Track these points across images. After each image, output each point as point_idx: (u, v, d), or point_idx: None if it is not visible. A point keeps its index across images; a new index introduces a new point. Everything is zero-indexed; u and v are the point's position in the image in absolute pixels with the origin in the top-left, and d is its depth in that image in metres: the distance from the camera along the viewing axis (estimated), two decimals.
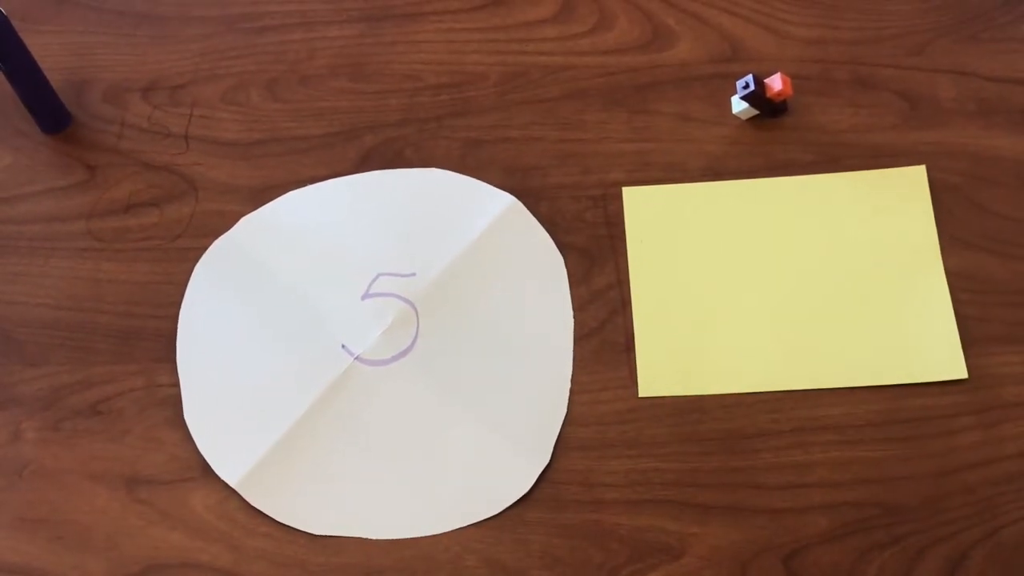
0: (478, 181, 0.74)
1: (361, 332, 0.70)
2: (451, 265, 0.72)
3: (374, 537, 0.65)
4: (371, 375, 0.69)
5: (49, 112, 0.77)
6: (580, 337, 0.69)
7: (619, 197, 0.73)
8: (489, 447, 0.66)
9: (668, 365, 0.68)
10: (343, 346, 0.70)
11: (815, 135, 0.74)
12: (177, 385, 0.69)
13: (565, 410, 0.67)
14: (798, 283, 0.69)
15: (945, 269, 0.70)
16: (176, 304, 0.72)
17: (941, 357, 0.67)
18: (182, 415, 0.68)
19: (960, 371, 0.66)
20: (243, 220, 0.74)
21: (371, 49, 0.80)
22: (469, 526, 0.65)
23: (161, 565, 0.65)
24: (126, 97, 0.79)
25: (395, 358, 0.69)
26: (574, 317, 0.70)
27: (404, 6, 0.81)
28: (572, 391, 0.68)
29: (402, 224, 0.73)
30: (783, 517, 0.64)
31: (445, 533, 0.65)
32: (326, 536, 0.65)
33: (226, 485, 0.66)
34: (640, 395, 0.67)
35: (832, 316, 0.68)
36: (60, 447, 0.68)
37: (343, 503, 0.66)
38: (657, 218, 0.72)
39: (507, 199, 0.73)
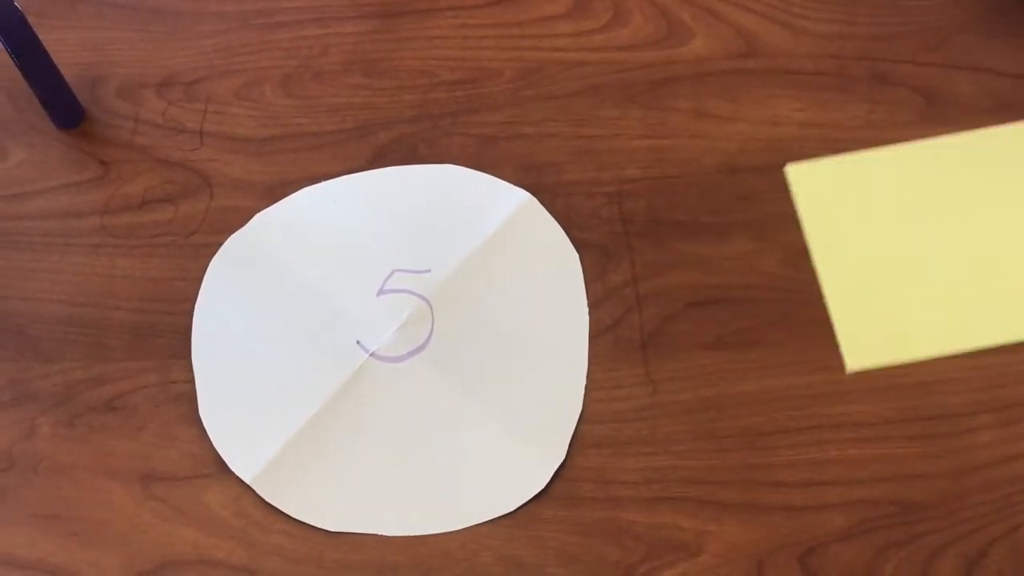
0: (493, 177, 0.74)
1: (376, 328, 0.70)
2: (466, 261, 0.72)
3: (389, 534, 0.65)
4: (386, 371, 0.69)
5: (63, 108, 0.77)
6: (595, 334, 0.69)
7: (633, 194, 0.73)
8: (504, 444, 0.66)
9: (871, 336, 0.67)
10: (358, 342, 0.70)
11: (832, 131, 0.74)
12: (192, 381, 0.69)
13: (580, 407, 0.67)
14: (985, 237, 0.69)
15: None
16: (191, 300, 0.72)
17: None
18: (197, 412, 0.68)
19: None
20: (257, 216, 0.74)
21: (385, 45, 0.80)
22: (484, 523, 0.65)
23: (176, 562, 0.65)
24: (140, 93, 0.79)
25: (410, 354, 0.69)
26: (589, 314, 0.70)
27: (419, 2, 0.81)
28: (587, 388, 0.67)
29: (417, 220, 0.73)
30: (800, 515, 0.64)
31: (460, 530, 0.65)
32: (341, 533, 0.65)
33: (241, 482, 0.66)
34: (848, 371, 0.67)
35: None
36: (75, 443, 0.68)
37: (358, 499, 0.66)
38: (826, 192, 0.72)
39: (522, 195, 0.73)
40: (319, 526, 0.65)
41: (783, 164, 0.73)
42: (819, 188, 0.72)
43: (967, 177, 0.71)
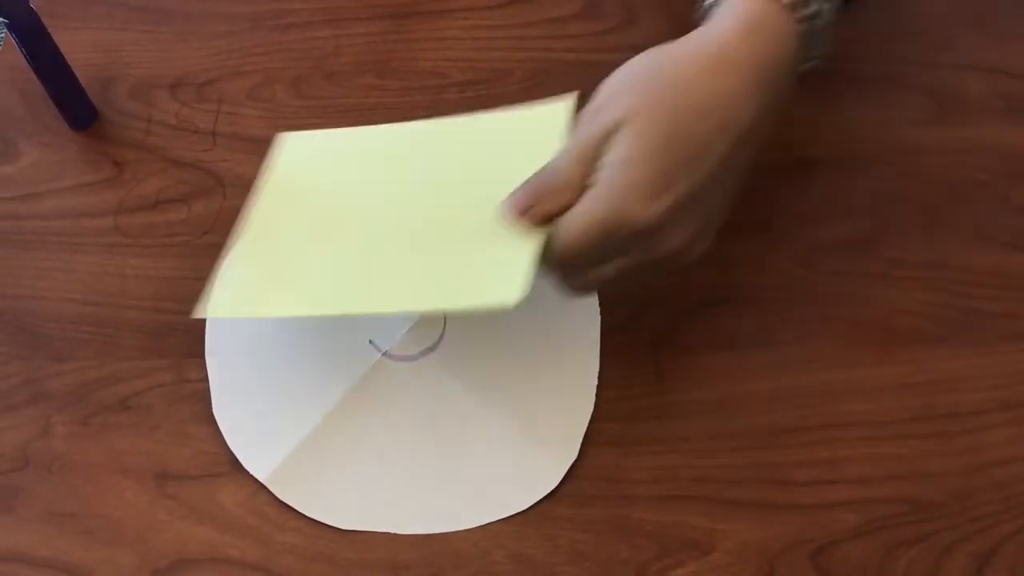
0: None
1: (388, 328, 0.70)
2: None
3: (402, 532, 0.65)
4: (399, 370, 0.69)
5: (77, 108, 0.78)
6: (606, 333, 0.69)
7: None
8: (517, 442, 0.67)
9: (240, 286, 0.66)
10: (371, 341, 0.70)
11: (840, 132, 0.74)
12: (205, 380, 0.70)
13: (593, 405, 0.67)
14: (403, 221, 0.66)
15: (973, 266, 0.69)
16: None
17: (499, 282, 0.60)
18: (210, 410, 0.69)
19: (511, 295, 0.58)
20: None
21: (397, 46, 0.80)
22: (496, 521, 0.65)
23: (190, 560, 0.65)
24: (153, 94, 0.79)
25: (422, 354, 0.69)
26: (600, 312, 0.70)
27: (430, 2, 0.81)
28: (598, 386, 0.68)
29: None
30: (811, 513, 0.64)
31: (472, 529, 0.65)
32: (354, 531, 0.65)
33: (255, 480, 0.67)
34: (204, 316, 0.66)
35: (414, 244, 0.65)
36: (89, 442, 0.68)
37: (371, 498, 0.66)
38: (306, 162, 0.71)
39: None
40: (333, 525, 0.65)
41: (794, 163, 0.73)
42: (298, 159, 0.71)
43: (431, 163, 0.69)
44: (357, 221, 0.67)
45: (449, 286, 0.62)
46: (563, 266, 0.61)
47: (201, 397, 0.69)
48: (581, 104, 0.63)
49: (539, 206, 0.60)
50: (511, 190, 0.62)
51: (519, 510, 0.65)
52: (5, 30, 0.72)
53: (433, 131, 0.71)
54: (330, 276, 0.65)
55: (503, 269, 0.60)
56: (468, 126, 0.70)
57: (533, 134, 0.67)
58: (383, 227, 0.67)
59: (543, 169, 0.61)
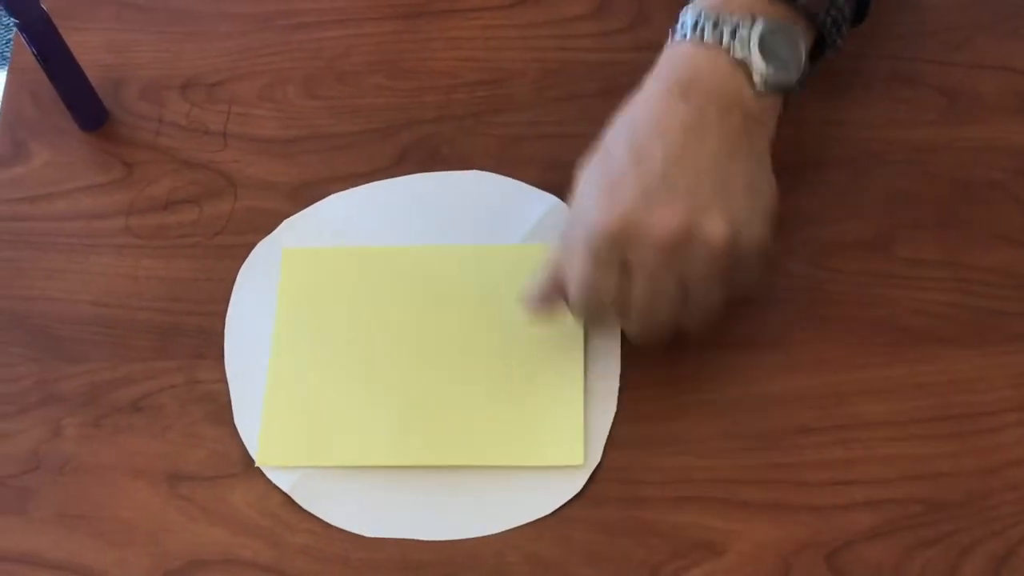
0: (520, 182, 0.74)
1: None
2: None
3: (426, 539, 0.65)
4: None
5: (87, 109, 0.78)
6: (622, 334, 0.69)
7: None
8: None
9: (291, 434, 0.67)
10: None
11: (853, 130, 0.74)
12: (217, 381, 0.69)
13: (615, 408, 0.67)
14: (437, 357, 0.69)
15: (986, 266, 0.69)
16: (215, 300, 0.72)
17: (562, 444, 0.66)
18: (223, 411, 0.68)
19: (577, 458, 0.65)
20: (286, 222, 0.73)
21: (408, 46, 0.80)
22: None
23: (203, 561, 0.65)
24: (163, 94, 0.79)
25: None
26: None
27: (441, 2, 0.81)
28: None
29: (445, 227, 0.73)
30: (826, 514, 0.64)
31: None
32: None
33: (268, 481, 0.66)
34: (258, 464, 0.67)
35: (463, 396, 0.68)
36: (101, 443, 0.68)
37: (393, 506, 0.66)
38: (311, 280, 0.71)
39: (550, 200, 0.73)
40: (356, 532, 0.65)
41: (806, 163, 0.73)
42: (304, 274, 0.72)
43: (442, 289, 0.71)
44: (384, 354, 0.69)
45: (508, 444, 0.66)
46: (585, 299, 0.63)
47: (213, 398, 0.69)
48: None
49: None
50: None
51: (543, 514, 0.65)
52: (16, 30, 0.72)
53: (442, 256, 0.72)
54: (381, 426, 0.67)
55: (560, 430, 0.66)
56: (477, 253, 0.72)
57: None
58: (414, 361, 0.69)
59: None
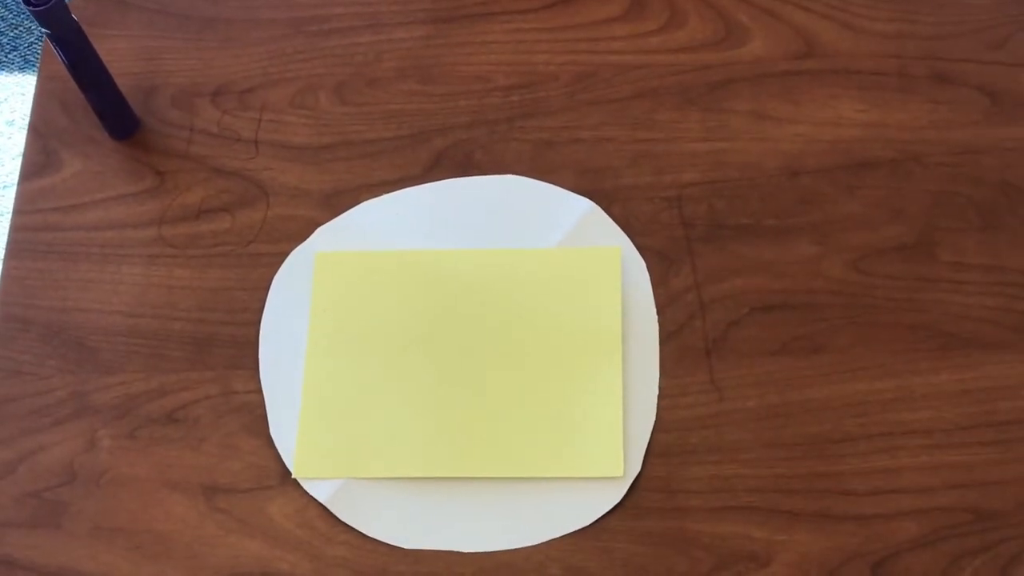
0: (554, 187, 0.73)
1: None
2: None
3: (466, 551, 0.64)
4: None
5: (118, 118, 0.77)
6: (660, 341, 0.68)
7: (694, 198, 0.72)
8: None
9: (328, 446, 0.67)
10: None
11: (894, 132, 0.73)
12: (253, 392, 0.69)
13: (655, 417, 0.66)
14: (473, 365, 0.68)
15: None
16: (250, 310, 0.71)
17: (602, 455, 0.65)
18: (259, 422, 0.68)
19: (617, 470, 0.64)
20: (319, 230, 0.73)
21: (439, 51, 0.79)
22: None
23: (241, 574, 0.64)
24: (195, 102, 0.79)
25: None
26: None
27: (472, 6, 0.80)
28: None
29: (480, 232, 0.72)
30: (872, 523, 0.63)
31: None
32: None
33: (305, 493, 0.66)
34: (295, 476, 0.66)
35: (500, 404, 0.67)
36: (137, 455, 0.68)
37: (433, 518, 0.65)
38: (344, 284, 0.71)
39: (585, 204, 0.72)
40: (395, 544, 0.64)
41: (846, 166, 0.72)
42: (338, 278, 0.71)
43: (476, 294, 0.70)
44: (420, 362, 0.68)
45: (547, 455, 0.65)
46: None
47: (249, 409, 0.68)
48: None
49: None
50: (570, 327, 0.67)
51: (583, 525, 0.64)
52: (46, 39, 0.72)
53: (476, 261, 0.71)
54: (419, 437, 0.67)
55: (600, 441, 0.65)
56: (512, 258, 0.71)
57: (588, 272, 0.69)
58: (450, 369, 0.68)
59: None
